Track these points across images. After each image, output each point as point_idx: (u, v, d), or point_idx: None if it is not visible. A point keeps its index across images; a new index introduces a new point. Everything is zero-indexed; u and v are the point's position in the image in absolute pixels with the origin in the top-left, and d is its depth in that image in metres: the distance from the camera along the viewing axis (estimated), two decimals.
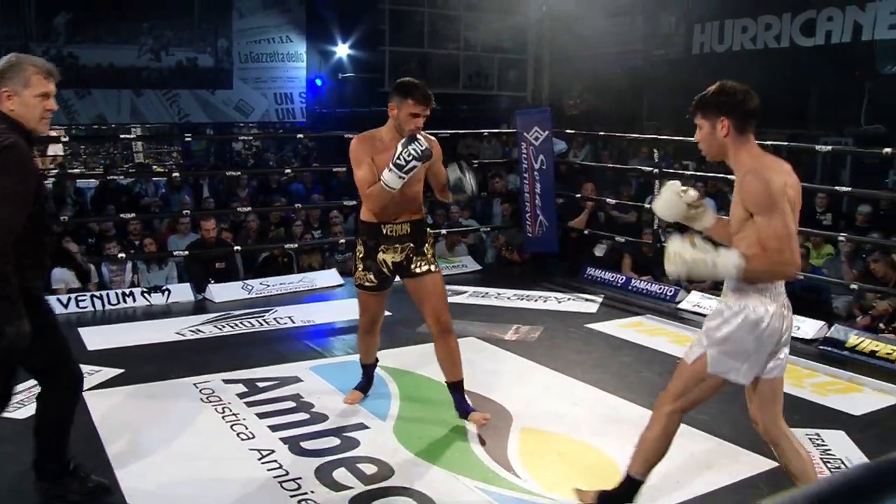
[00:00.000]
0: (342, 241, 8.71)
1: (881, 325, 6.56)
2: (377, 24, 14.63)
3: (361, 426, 4.45)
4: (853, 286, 6.93)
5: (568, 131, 10.13)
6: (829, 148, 7.84)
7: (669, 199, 3.42)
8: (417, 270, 4.39)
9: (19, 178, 2.95)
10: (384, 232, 4.34)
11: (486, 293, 7.64)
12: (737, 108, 3.14)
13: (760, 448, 3.93)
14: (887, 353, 5.92)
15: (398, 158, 4.01)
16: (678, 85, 12.94)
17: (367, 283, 4.44)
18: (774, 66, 12.08)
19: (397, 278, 4.49)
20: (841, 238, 7.56)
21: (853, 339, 6.21)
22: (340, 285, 7.94)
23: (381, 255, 4.36)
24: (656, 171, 7.99)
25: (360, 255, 4.43)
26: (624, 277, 8.17)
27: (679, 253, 3.07)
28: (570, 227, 8.98)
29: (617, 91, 13.02)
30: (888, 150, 6.70)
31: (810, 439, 4.36)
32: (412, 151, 4.01)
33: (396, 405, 4.80)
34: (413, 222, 4.39)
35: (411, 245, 4.38)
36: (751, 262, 3.00)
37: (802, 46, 11.93)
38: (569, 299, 7.52)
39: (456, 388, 4.53)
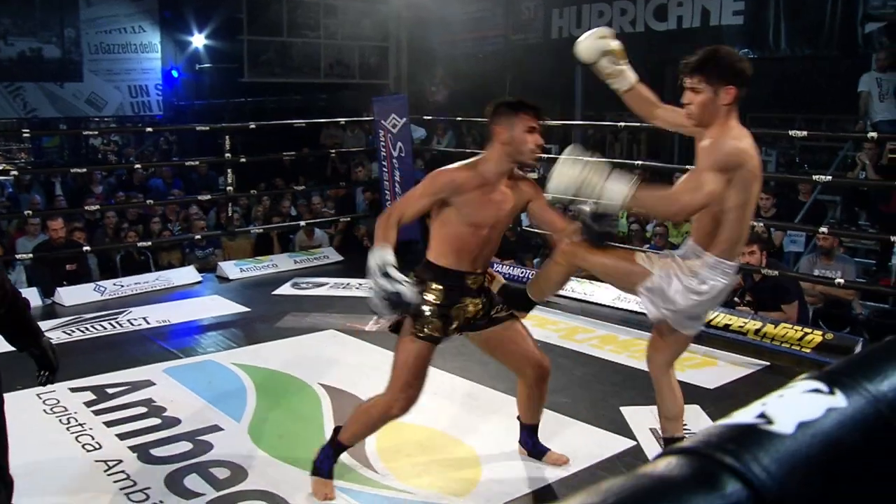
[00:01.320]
0: (198, 236, 8.48)
1: (735, 300, 6.77)
2: (234, 13, 14.27)
3: (215, 428, 4.32)
4: None
5: (426, 117, 10.11)
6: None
7: (590, 39, 3.46)
8: (500, 315, 3.64)
9: None
10: (468, 283, 3.51)
11: (348, 284, 7.55)
12: (744, 78, 3.11)
13: (619, 429, 4.00)
14: (739, 327, 6.12)
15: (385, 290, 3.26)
16: (538, 69, 13.13)
17: (433, 332, 3.44)
18: (631, 50, 12.31)
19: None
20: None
21: (709, 314, 6.38)
22: (198, 282, 7.71)
23: (456, 310, 3.49)
24: None
25: (435, 302, 3.44)
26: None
27: (568, 168, 3.00)
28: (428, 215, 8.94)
29: (478, 76, 13.05)
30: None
31: None
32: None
33: (252, 405, 4.68)
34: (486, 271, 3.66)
35: (485, 300, 3.60)
36: (640, 196, 2.99)
37: (656, 30, 12.22)
38: None
39: (534, 431, 3.96)
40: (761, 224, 6.90)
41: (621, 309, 6.80)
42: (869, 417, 0.30)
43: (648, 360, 3.60)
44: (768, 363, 5.53)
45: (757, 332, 5.99)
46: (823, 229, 6.70)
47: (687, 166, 8.87)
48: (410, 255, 8.57)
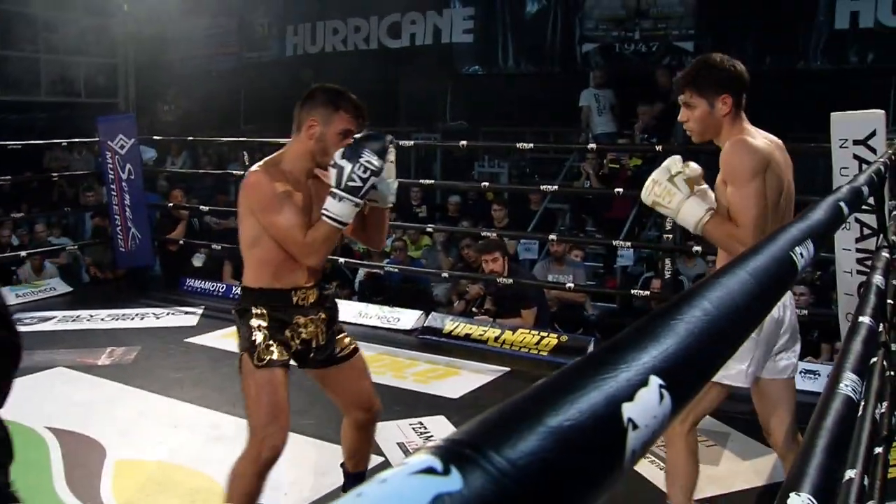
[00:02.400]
0: None
1: (474, 309, 6.95)
2: None
3: None
4: (444, 274, 7.31)
5: (156, 138, 9.70)
6: (412, 143, 8.20)
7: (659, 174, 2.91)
8: (344, 353, 3.22)
9: None
10: (294, 300, 3.07)
11: (78, 316, 7.05)
12: (737, 83, 2.91)
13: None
14: (479, 335, 6.29)
15: (350, 178, 2.81)
16: (275, 86, 12.97)
17: (276, 357, 2.99)
18: (366, 67, 12.48)
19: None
20: (429, 229, 7.96)
21: (449, 324, 6.52)
22: None
23: (290, 331, 3.06)
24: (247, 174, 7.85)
25: (264, 326, 3.00)
26: (225, 286, 7.96)
27: (655, 181, 2.84)
28: (165, 238, 8.60)
29: (213, 95, 12.71)
30: (464, 142, 7.15)
31: (414, 428, 4.49)
32: (367, 160, 2.83)
33: None
34: (319, 283, 3.18)
35: (323, 316, 3.16)
36: (713, 225, 2.81)
37: (390, 48, 12.41)
38: (168, 314, 7.17)
39: (361, 479, 3.45)
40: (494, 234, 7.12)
41: (363, 325, 6.79)
42: (489, 499, 0.25)
43: (767, 434, 3.21)
44: (509, 369, 5.71)
45: (496, 339, 6.18)
46: (553, 236, 7.01)
47: (422, 181, 9.09)
48: (148, 283, 8.27)
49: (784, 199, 2.94)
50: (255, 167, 2.99)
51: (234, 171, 8.72)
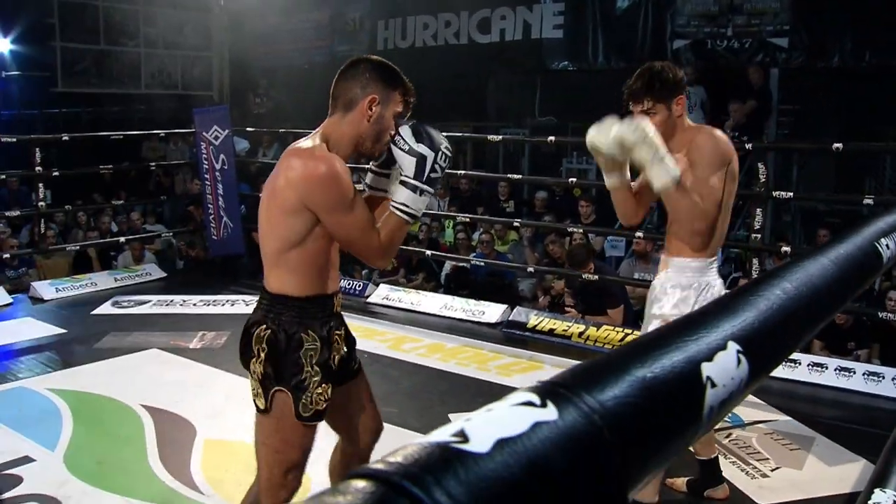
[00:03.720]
0: (7, 255, 8.02)
1: (566, 308, 6.95)
2: (44, 17, 13.56)
3: (26, 460, 4.06)
4: (530, 269, 7.33)
5: (249, 129, 9.92)
6: (500, 137, 8.25)
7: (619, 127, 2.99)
8: (356, 363, 2.81)
9: None
10: (334, 307, 2.63)
11: (172, 301, 7.29)
12: (684, 83, 3.20)
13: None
14: (563, 330, 6.30)
15: (433, 168, 2.50)
16: None
17: (323, 406, 2.55)
18: (456, 62, 12.56)
19: None
20: (516, 223, 7.99)
21: (533, 319, 6.54)
22: (9, 304, 7.25)
23: (335, 349, 2.58)
24: None
25: (312, 354, 2.50)
26: None
27: (647, 132, 2.92)
28: (256, 227, 8.79)
29: (304, 88, 12.93)
30: (552, 138, 7.15)
31: None
32: (446, 147, 2.55)
33: (69, 432, 4.43)
34: None
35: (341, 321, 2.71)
36: (683, 185, 3.00)
37: (480, 43, 12.45)
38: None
39: None
40: (581, 230, 7.10)
41: (448, 317, 6.87)
42: (581, 431, 0.29)
43: None
44: None
45: (580, 334, 6.18)
46: (639, 234, 6.97)
47: (510, 175, 9.12)
48: (237, 271, 8.48)
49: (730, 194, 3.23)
50: (315, 153, 2.47)
51: None
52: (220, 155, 8.25)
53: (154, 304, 7.19)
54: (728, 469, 4.01)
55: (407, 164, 2.50)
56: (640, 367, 0.35)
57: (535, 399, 0.30)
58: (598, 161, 3.22)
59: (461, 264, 8.11)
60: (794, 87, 10.37)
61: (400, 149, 2.51)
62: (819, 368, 5.31)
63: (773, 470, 3.94)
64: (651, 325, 3.29)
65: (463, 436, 0.27)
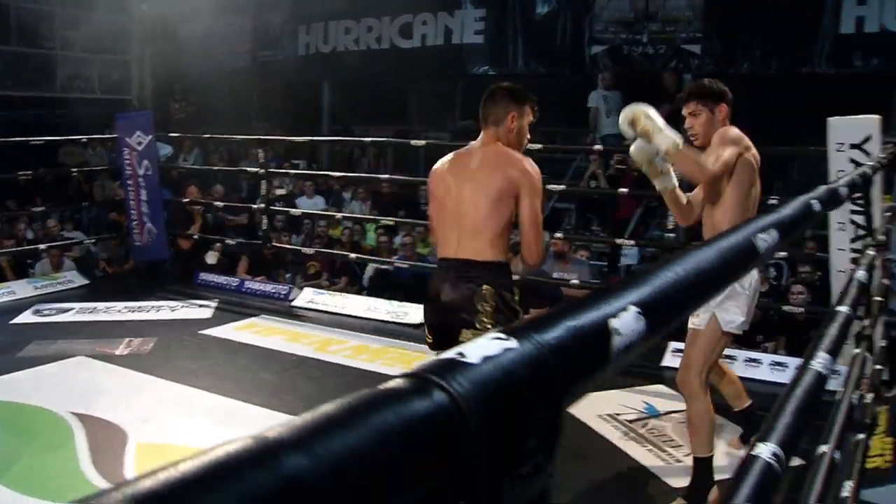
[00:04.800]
0: None
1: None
2: None
3: None
4: None
5: (172, 134, 9.90)
6: (423, 143, 8.37)
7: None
8: None
9: None
10: None
11: (95, 308, 7.24)
12: (729, 97, 3.67)
13: None
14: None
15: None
16: (286, 85, 13.17)
17: None
18: (378, 67, 12.69)
19: None
20: None
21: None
22: None
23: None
24: (262, 171, 8.04)
25: (518, 301, 3.45)
26: (238, 280, 8.16)
27: (645, 110, 3.50)
28: (182, 233, 8.80)
29: (226, 92, 12.90)
30: (474, 143, 7.29)
31: None
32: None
33: None
34: None
35: None
36: (687, 150, 3.47)
37: (402, 48, 12.58)
38: (182, 307, 7.37)
39: None
40: None
41: (372, 319, 7.00)
42: (533, 355, 0.43)
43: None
44: None
45: None
46: (558, 235, 7.18)
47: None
48: (162, 276, 8.45)
49: (755, 190, 3.66)
50: (512, 151, 3.36)
51: (248, 168, 8.91)
52: (143, 160, 8.22)
53: (77, 312, 7.13)
54: (645, 456, 4.22)
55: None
56: (570, 319, 0.49)
57: (504, 335, 0.43)
58: (644, 169, 3.76)
59: (384, 267, 8.24)
60: None
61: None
62: (729, 360, 5.58)
63: (686, 455, 4.13)
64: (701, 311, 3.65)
65: (462, 354, 0.40)
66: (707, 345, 3.62)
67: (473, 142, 3.54)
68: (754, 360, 5.61)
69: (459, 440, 0.36)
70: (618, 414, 4.83)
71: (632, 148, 3.70)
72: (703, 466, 3.66)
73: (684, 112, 3.75)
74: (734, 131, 3.64)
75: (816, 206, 1.48)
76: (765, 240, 0.99)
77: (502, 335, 0.43)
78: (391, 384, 0.38)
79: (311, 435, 0.33)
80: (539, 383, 0.42)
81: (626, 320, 0.54)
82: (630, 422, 4.72)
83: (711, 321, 3.61)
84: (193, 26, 13.12)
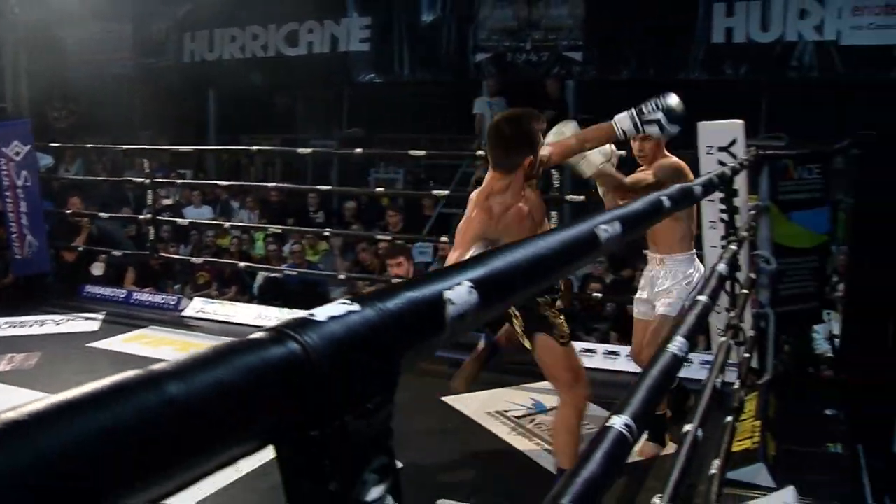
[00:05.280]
0: None
1: None
2: None
3: None
4: (341, 276, 7.54)
5: (53, 144, 9.65)
6: (310, 150, 8.41)
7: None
8: None
9: None
10: None
11: None
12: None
13: None
14: None
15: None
16: (171, 93, 12.97)
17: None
18: (264, 75, 12.63)
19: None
20: (326, 233, 8.19)
21: None
22: None
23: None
24: (148, 181, 7.92)
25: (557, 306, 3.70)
26: (125, 291, 8.03)
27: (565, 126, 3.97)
28: (65, 245, 8.60)
29: (109, 100, 12.61)
30: (359, 150, 7.39)
31: None
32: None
33: None
34: None
35: None
36: (609, 170, 4.07)
37: (288, 56, 12.56)
38: (68, 320, 7.21)
39: None
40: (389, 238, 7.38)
41: (263, 327, 6.97)
42: (372, 317, 0.51)
43: (640, 355, 4.48)
44: None
45: None
46: (443, 239, 7.31)
47: (319, 186, 9.29)
48: (45, 290, 8.22)
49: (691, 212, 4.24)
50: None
51: (133, 178, 8.76)
52: (21, 171, 7.98)
53: None
54: (532, 450, 4.36)
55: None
56: (410, 291, 0.58)
57: (348, 300, 0.52)
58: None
59: (273, 275, 8.23)
60: (589, 98, 11.08)
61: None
62: (612, 356, 5.82)
63: None
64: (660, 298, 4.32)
65: (312, 315, 0.49)
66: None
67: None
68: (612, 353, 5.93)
69: (307, 380, 0.46)
70: (506, 411, 4.97)
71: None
72: (658, 422, 4.32)
73: (638, 137, 4.09)
74: (678, 165, 4.20)
75: (667, 202, 1.61)
76: (606, 230, 1.11)
77: (348, 301, 0.52)
78: (255, 335, 0.46)
79: (188, 368, 0.41)
80: (376, 340, 0.51)
81: (459, 292, 0.64)
82: (518, 418, 4.87)
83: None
84: (72, 31, 12.80)
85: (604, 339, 6.71)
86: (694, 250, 4.39)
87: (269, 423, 0.45)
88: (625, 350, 5.92)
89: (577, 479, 0.96)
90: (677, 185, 1.89)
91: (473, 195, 3.70)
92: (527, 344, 3.66)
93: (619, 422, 1.14)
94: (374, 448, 0.52)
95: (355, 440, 0.50)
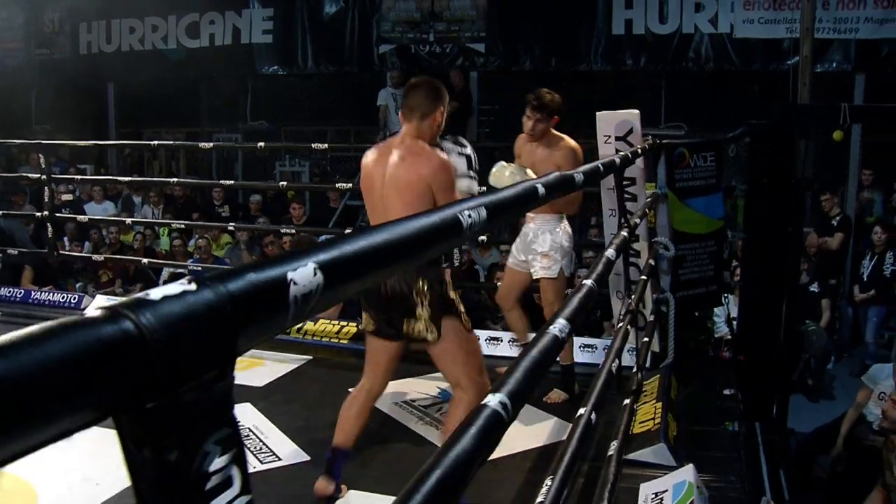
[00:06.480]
0: None
1: None
2: None
3: None
4: None
5: None
6: (212, 144, 8.29)
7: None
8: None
9: None
10: None
11: None
12: (562, 108, 4.73)
13: None
14: None
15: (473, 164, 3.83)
16: (68, 86, 12.61)
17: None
18: (164, 67, 12.40)
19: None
20: (230, 227, 8.10)
21: None
22: None
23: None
24: (44, 177, 7.70)
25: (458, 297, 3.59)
26: (23, 291, 7.81)
27: (503, 168, 4.31)
28: None
29: (1, 93, 12.21)
30: (262, 144, 7.33)
31: None
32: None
33: None
34: None
35: None
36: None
37: (190, 48, 12.36)
38: None
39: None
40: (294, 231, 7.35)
41: None
42: (209, 297, 0.54)
43: (503, 298, 5.09)
44: (311, 357, 5.94)
45: (298, 330, 6.37)
46: (349, 231, 7.30)
47: (223, 181, 9.17)
48: None
49: None
50: (429, 147, 3.42)
51: (29, 175, 8.50)
52: None
53: None
54: (439, 437, 4.41)
55: (458, 162, 3.66)
56: (253, 272, 0.61)
57: (187, 282, 0.54)
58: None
59: (179, 271, 8.11)
60: (493, 89, 11.19)
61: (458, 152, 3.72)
62: (495, 342, 5.94)
63: None
64: (536, 259, 4.79)
65: (147, 294, 0.51)
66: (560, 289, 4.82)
67: (395, 135, 3.62)
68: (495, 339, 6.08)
69: (140, 355, 0.48)
70: (414, 400, 5.01)
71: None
72: (566, 371, 4.90)
73: (531, 115, 4.64)
74: (575, 147, 4.75)
75: (541, 189, 1.66)
76: (471, 216, 1.15)
77: (186, 282, 0.54)
78: (89, 314, 0.49)
79: (16, 345, 0.43)
80: (211, 318, 0.54)
81: (303, 273, 0.66)
82: (425, 407, 4.91)
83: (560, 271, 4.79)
84: None
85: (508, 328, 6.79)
86: (563, 213, 4.77)
87: (102, 396, 0.47)
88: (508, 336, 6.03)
89: (449, 453, 0.99)
90: (556, 173, 1.95)
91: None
92: (430, 335, 3.46)
93: (494, 400, 1.18)
94: (214, 420, 0.55)
95: (192, 412, 0.53)
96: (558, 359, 4.81)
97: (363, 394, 3.67)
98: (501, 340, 6.00)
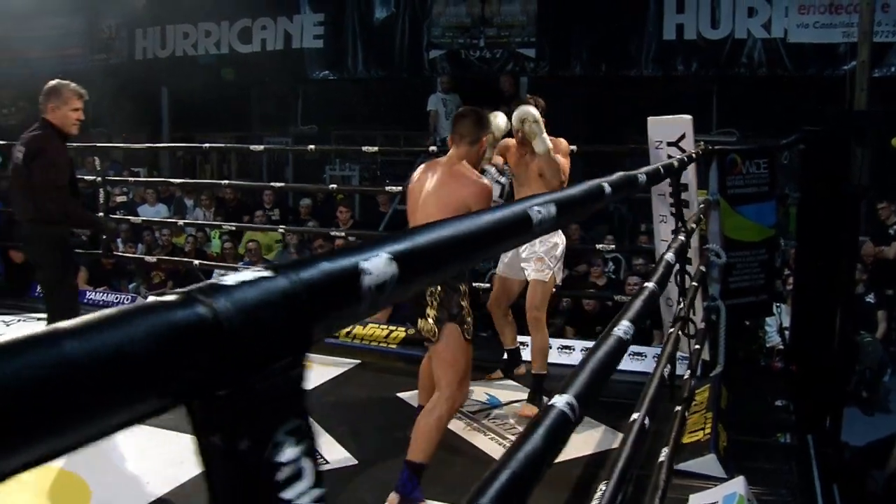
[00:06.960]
0: None
1: None
2: None
3: None
4: None
5: (1, 142, 9.49)
6: (263, 147, 8.35)
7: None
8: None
9: None
10: None
11: None
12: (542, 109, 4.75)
13: None
14: None
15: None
16: (124, 90, 12.79)
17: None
18: (217, 71, 12.53)
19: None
20: (281, 230, 8.15)
21: None
22: None
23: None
24: (99, 179, 7.81)
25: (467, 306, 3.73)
26: (81, 290, 7.92)
27: (535, 114, 4.50)
28: (13, 245, 8.46)
29: None
30: (312, 147, 7.37)
31: None
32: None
33: None
34: None
35: None
36: (551, 159, 4.60)
37: (242, 53, 12.47)
38: (19, 321, 7.09)
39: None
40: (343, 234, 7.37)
41: None
42: (284, 284, 0.53)
43: (492, 305, 5.20)
44: (360, 361, 5.95)
45: (347, 333, 6.39)
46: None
47: (274, 184, 9.24)
48: None
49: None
50: (473, 171, 3.72)
51: (85, 177, 8.62)
52: None
53: None
54: (486, 444, 4.39)
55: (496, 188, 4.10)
56: (326, 262, 0.60)
57: (266, 270, 0.54)
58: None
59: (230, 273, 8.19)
60: (542, 93, 11.13)
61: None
62: (567, 350, 5.86)
63: None
64: (530, 262, 4.84)
65: (224, 280, 0.51)
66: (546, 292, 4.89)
67: (441, 157, 3.94)
68: (567, 348, 6.01)
69: (214, 341, 0.48)
70: (461, 406, 5.00)
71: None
72: (537, 380, 4.87)
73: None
74: (564, 145, 4.92)
75: (608, 188, 1.65)
76: (540, 212, 1.14)
77: (265, 270, 0.54)
78: (163, 298, 0.48)
79: (90, 328, 0.43)
80: (286, 305, 0.53)
81: (376, 263, 0.66)
82: (473, 413, 4.89)
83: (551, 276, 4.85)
84: (20, 26, 12.55)
85: (559, 334, 6.74)
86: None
87: (175, 382, 0.46)
88: (580, 345, 5.98)
89: (518, 454, 0.98)
90: (621, 173, 1.93)
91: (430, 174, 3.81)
92: (432, 336, 3.65)
93: (561, 401, 1.17)
94: (286, 409, 0.54)
95: (264, 400, 0.52)
96: (531, 368, 5.02)
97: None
98: (574, 349, 5.99)
